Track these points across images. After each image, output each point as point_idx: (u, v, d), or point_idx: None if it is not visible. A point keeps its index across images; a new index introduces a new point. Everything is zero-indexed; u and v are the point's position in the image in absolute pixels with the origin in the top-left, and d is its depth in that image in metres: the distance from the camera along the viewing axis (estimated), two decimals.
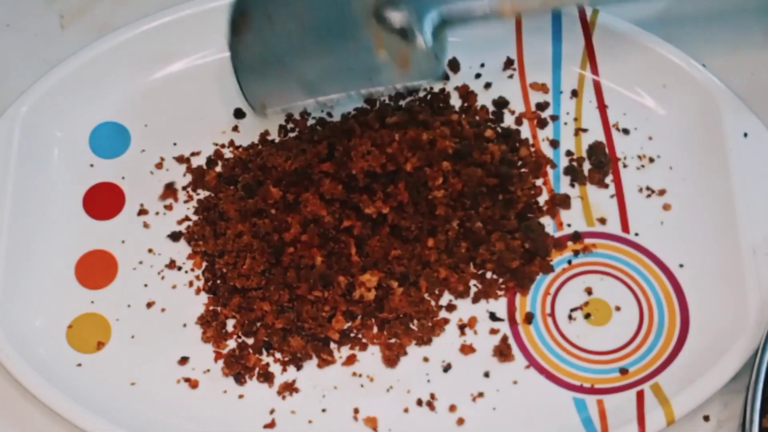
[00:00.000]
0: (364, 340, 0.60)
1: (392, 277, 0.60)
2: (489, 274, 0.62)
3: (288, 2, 0.59)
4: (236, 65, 0.59)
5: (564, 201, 0.64)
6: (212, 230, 0.63)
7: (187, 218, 0.64)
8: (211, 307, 0.61)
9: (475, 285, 0.62)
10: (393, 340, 0.60)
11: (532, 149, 0.65)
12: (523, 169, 0.64)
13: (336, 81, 0.58)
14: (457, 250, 0.61)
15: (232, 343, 0.60)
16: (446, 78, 0.58)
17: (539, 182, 0.64)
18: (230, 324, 0.61)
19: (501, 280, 0.61)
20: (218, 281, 0.62)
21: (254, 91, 0.58)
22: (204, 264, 0.62)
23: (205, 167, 0.65)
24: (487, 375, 0.59)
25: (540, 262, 0.62)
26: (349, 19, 0.59)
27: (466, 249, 0.61)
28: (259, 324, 0.60)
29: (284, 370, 0.60)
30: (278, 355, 0.60)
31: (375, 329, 0.60)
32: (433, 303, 0.61)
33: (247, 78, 0.58)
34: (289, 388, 0.59)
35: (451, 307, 0.61)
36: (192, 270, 0.63)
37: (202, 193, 0.65)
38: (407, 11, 0.58)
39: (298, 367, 0.60)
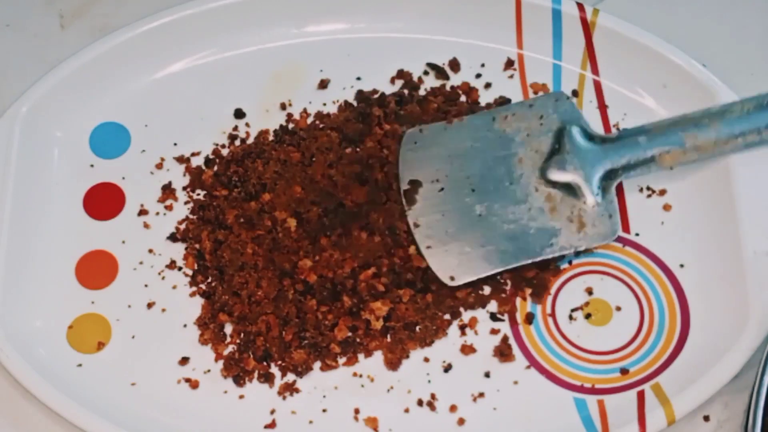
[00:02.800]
0: (367, 347, 0.60)
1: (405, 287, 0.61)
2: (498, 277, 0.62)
3: (460, 169, 0.61)
4: (418, 238, 0.60)
5: None
6: (208, 232, 0.63)
7: (187, 218, 0.64)
8: (208, 310, 0.61)
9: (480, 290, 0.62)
10: (397, 346, 0.60)
11: None
12: None
13: (519, 249, 0.59)
14: None
15: (231, 345, 0.60)
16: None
17: None
18: (229, 325, 0.61)
19: (514, 289, 0.61)
20: (213, 283, 0.62)
21: (441, 264, 0.59)
22: (196, 265, 0.62)
23: (203, 167, 0.65)
24: (487, 375, 0.59)
25: (554, 267, 0.61)
26: (519, 183, 0.61)
27: None
28: (258, 336, 0.60)
29: (284, 375, 0.59)
30: (279, 361, 0.60)
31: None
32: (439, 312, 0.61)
33: (432, 252, 0.59)
34: (289, 388, 0.59)
35: (454, 313, 0.61)
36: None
37: (202, 193, 0.65)
38: (573, 169, 0.60)
39: (299, 374, 0.60)
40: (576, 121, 0.62)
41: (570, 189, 0.60)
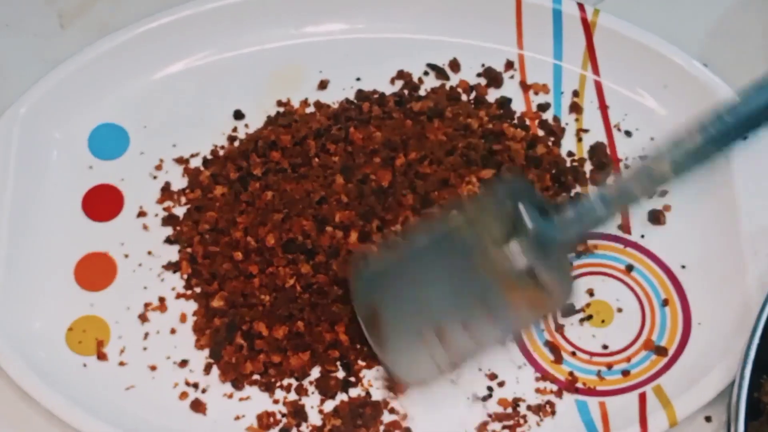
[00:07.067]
0: (367, 349, 0.60)
1: None
2: None
3: (417, 290, 0.58)
4: (383, 358, 0.58)
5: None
6: (200, 235, 0.62)
7: (182, 221, 0.64)
8: (203, 314, 0.61)
9: None
10: None
11: (551, 144, 0.65)
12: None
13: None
14: None
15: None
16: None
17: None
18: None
19: None
20: (206, 287, 0.61)
21: (401, 370, 0.58)
22: (190, 269, 0.62)
23: (202, 168, 0.65)
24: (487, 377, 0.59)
25: None
26: (480, 294, 0.57)
27: None
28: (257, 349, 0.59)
29: (281, 379, 0.59)
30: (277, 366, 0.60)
31: None
32: None
33: (395, 362, 0.58)
34: (289, 389, 0.59)
35: None
36: None
37: (200, 195, 0.64)
38: (531, 255, 0.57)
39: (297, 380, 0.59)
40: (527, 197, 0.58)
41: (529, 272, 0.57)
